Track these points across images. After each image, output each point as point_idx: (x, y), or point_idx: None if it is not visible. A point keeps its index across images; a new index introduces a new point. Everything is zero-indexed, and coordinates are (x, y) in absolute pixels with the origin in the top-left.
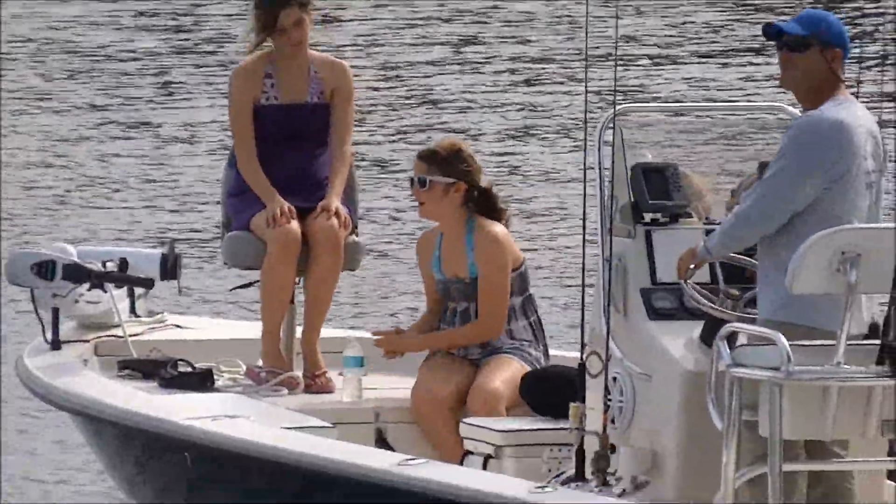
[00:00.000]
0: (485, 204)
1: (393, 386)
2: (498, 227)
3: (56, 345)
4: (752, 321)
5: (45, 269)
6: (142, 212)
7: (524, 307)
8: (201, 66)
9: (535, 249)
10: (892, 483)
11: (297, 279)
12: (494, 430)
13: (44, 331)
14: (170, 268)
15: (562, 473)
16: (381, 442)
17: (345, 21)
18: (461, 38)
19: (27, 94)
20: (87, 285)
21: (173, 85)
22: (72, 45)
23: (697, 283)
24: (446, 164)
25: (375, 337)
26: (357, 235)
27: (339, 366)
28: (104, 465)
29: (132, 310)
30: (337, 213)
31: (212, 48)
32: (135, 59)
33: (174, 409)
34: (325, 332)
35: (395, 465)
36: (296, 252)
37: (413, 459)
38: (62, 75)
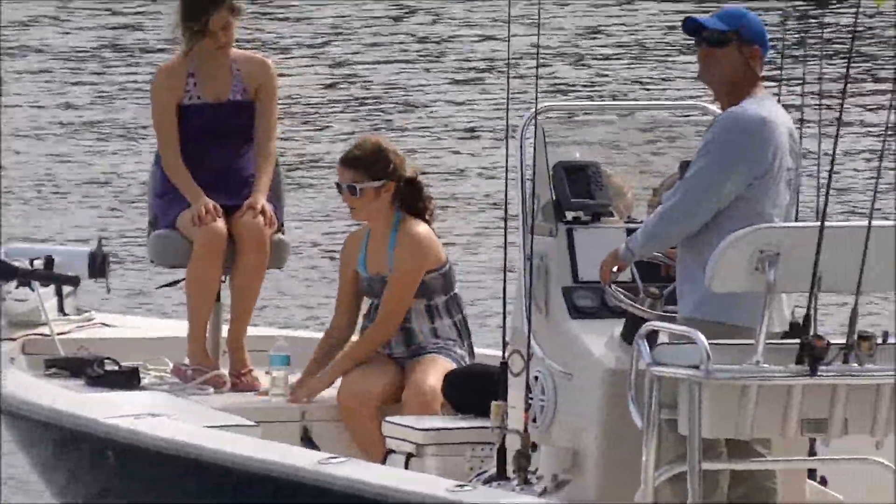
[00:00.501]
0: (411, 194)
1: None
2: (421, 227)
3: None
4: (674, 319)
5: None
6: (72, 210)
7: (448, 306)
8: (141, 66)
9: (460, 247)
10: (813, 482)
11: (223, 277)
12: (416, 429)
13: None
14: (98, 266)
15: (483, 472)
16: (307, 441)
17: (280, 20)
18: (392, 35)
19: None
20: (14, 283)
21: (109, 84)
22: (11, 45)
23: (618, 283)
24: (373, 167)
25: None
26: (283, 233)
27: (266, 364)
28: (30, 464)
29: (60, 308)
30: (262, 211)
31: (150, 47)
32: (70, 59)
33: (98, 407)
34: (252, 330)
35: (315, 463)
36: (221, 250)
37: (334, 458)
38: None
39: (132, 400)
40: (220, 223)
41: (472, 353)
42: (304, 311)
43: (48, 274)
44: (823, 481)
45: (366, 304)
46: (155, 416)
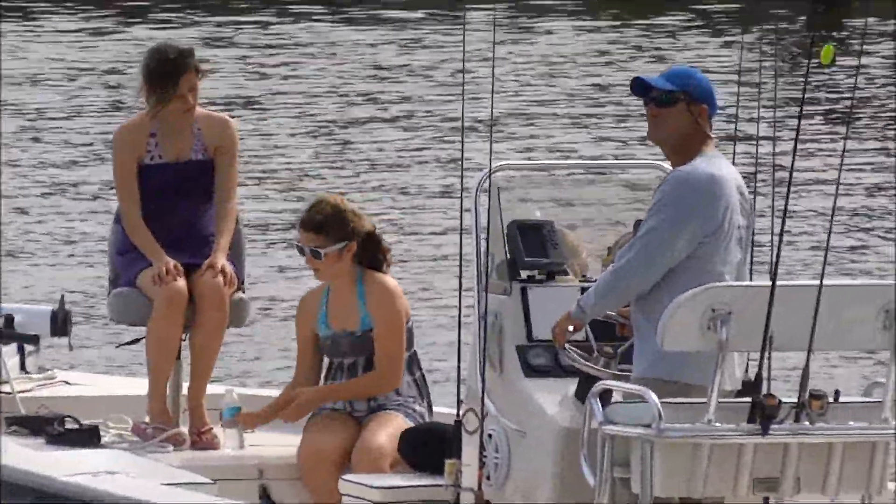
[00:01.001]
0: (370, 248)
1: (277, 442)
2: (389, 280)
3: None
4: (628, 378)
5: None
6: (34, 268)
7: (409, 363)
8: (105, 125)
9: (414, 305)
10: None
11: (183, 336)
12: (372, 487)
13: None
14: (60, 324)
15: None
16: (265, 498)
17: (245, 79)
18: (353, 95)
19: None
20: None
21: (73, 142)
22: None
23: (572, 342)
24: (334, 229)
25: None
26: (244, 292)
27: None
28: None
29: (22, 366)
30: (223, 271)
31: (116, 106)
32: (37, 117)
33: (57, 465)
34: (212, 388)
35: None
36: (181, 309)
37: None
38: None
39: (91, 458)
40: (181, 282)
41: (430, 411)
42: (265, 368)
43: (7, 332)
44: None
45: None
46: (113, 473)
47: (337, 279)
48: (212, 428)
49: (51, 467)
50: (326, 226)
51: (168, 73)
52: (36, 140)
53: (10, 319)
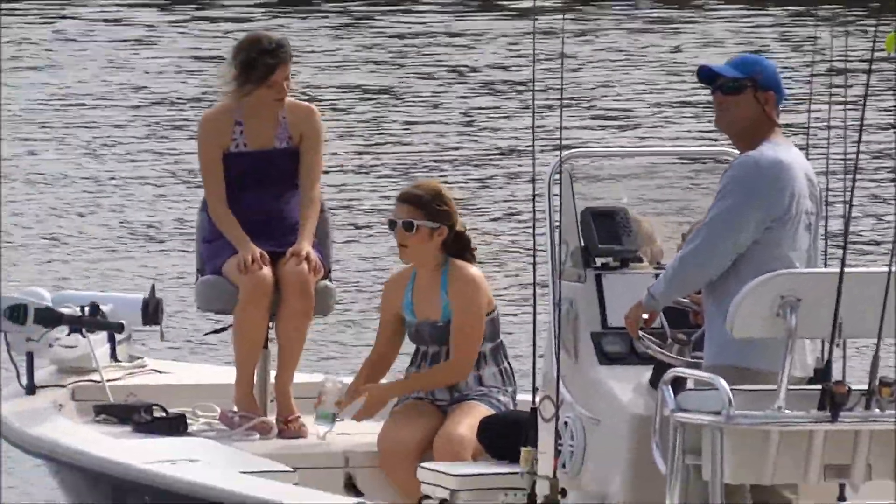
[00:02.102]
0: (458, 246)
1: (363, 431)
2: (473, 269)
3: (31, 389)
4: (701, 365)
5: (16, 313)
6: (124, 257)
7: (495, 354)
8: (188, 111)
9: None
10: None
11: (270, 324)
12: (450, 475)
13: (18, 376)
14: (151, 313)
15: None
16: (351, 487)
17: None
18: (424, 87)
19: (18, 137)
20: (65, 330)
21: (158, 131)
22: (64, 91)
23: (646, 329)
24: (430, 207)
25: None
26: (330, 280)
27: (312, 410)
28: None
29: (112, 354)
30: (307, 258)
31: (199, 94)
32: (120, 106)
33: (139, 453)
34: (299, 377)
35: None
36: (267, 297)
37: None
38: (52, 120)
39: (174, 446)
40: (266, 270)
41: (514, 401)
42: (352, 357)
43: (92, 320)
44: None
45: (407, 346)
46: (193, 461)
47: (423, 265)
48: (299, 416)
49: (133, 455)
50: (424, 201)
51: (266, 63)
52: (120, 128)
53: (95, 307)
